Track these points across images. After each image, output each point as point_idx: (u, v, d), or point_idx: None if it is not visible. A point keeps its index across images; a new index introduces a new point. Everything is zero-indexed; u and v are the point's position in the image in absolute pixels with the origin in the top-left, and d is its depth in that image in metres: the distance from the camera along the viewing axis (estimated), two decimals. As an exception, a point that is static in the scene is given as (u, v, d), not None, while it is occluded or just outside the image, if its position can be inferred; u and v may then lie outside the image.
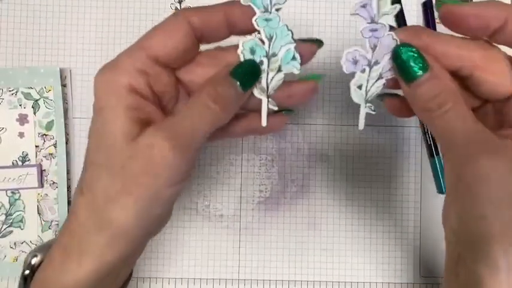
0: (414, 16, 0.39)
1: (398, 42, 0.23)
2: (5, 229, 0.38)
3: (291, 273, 0.38)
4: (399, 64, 0.23)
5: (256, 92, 0.25)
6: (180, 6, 0.39)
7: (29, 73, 0.38)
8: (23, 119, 0.38)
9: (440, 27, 0.38)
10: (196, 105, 0.23)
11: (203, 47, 0.26)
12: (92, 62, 0.39)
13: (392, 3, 0.23)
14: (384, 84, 0.25)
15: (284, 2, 0.23)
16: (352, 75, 0.24)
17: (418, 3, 0.39)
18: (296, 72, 0.25)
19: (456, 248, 0.24)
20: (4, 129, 0.38)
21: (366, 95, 0.25)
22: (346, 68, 0.24)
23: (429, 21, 0.38)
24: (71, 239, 0.23)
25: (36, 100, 0.38)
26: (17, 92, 0.38)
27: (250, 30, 0.24)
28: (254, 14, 0.23)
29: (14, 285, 0.38)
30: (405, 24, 0.38)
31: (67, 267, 0.23)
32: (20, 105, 0.38)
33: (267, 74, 0.24)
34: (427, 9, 0.38)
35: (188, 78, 0.25)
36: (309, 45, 0.25)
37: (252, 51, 0.24)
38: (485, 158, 0.21)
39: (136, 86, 0.23)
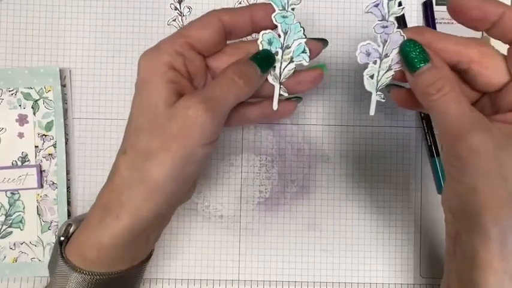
0: (414, 16, 0.39)
1: (405, 39, 0.27)
2: (4, 230, 0.38)
3: (290, 274, 0.38)
4: (405, 56, 0.26)
5: (270, 79, 0.29)
6: (180, 6, 0.39)
7: (28, 73, 0.38)
8: (22, 120, 0.38)
9: (440, 27, 0.38)
10: (224, 79, 0.27)
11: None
12: (92, 62, 0.39)
13: (399, 4, 0.27)
14: (393, 75, 0.28)
15: (299, 3, 0.28)
16: (365, 66, 0.28)
17: (418, 3, 0.39)
18: (305, 64, 0.29)
19: (453, 225, 0.26)
20: (4, 129, 0.38)
21: (377, 84, 0.28)
22: (360, 59, 0.28)
23: (429, 21, 0.38)
24: (111, 194, 0.26)
25: (36, 100, 0.38)
26: (16, 92, 0.38)
27: (270, 28, 0.29)
28: (273, 11, 0.28)
29: (14, 286, 0.38)
30: (405, 23, 0.38)
31: (105, 223, 0.26)
32: (20, 105, 0.38)
33: (281, 63, 0.29)
34: (427, 9, 0.38)
35: (216, 64, 0.30)
36: (316, 43, 0.29)
37: (270, 42, 0.28)
38: (477, 134, 0.23)
39: (174, 64, 0.27)
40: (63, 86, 0.38)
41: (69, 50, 0.39)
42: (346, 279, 0.38)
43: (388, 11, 0.26)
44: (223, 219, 0.38)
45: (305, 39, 0.28)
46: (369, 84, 0.28)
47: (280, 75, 0.29)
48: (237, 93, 0.27)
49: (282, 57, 0.29)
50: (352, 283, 0.38)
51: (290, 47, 0.29)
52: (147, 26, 0.39)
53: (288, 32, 0.28)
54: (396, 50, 0.27)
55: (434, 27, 0.38)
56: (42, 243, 0.38)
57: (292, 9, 0.28)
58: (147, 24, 0.39)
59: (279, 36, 0.28)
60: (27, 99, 0.38)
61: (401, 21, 0.38)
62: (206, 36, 0.28)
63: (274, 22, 0.28)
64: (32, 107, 0.38)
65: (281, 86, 0.30)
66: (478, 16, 0.25)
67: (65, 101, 0.38)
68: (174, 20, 0.39)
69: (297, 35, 0.28)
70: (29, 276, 0.38)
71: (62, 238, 0.29)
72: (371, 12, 0.26)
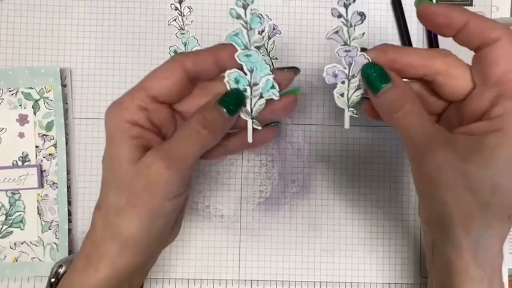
0: (414, 16, 0.39)
1: (370, 60, 0.27)
2: (5, 229, 0.38)
3: (291, 273, 0.38)
4: (366, 79, 0.27)
5: (242, 115, 0.29)
6: (180, 6, 0.39)
7: (29, 73, 0.38)
8: (23, 119, 0.38)
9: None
10: (187, 130, 0.27)
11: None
12: (92, 62, 0.39)
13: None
14: (362, 93, 0.29)
15: (262, 41, 0.27)
16: (335, 85, 0.29)
17: (419, 3, 0.39)
18: (276, 98, 0.29)
19: (430, 236, 0.27)
20: (4, 129, 0.38)
21: (348, 102, 0.29)
22: (328, 80, 0.28)
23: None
24: (92, 246, 0.27)
25: (36, 100, 0.38)
26: (17, 92, 0.38)
27: (237, 67, 0.28)
28: (236, 51, 0.27)
29: (14, 285, 0.38)
30: (405, 23, 0.38)
31: (87, 273, 0.26)
32: (20, 105, 0.38)
33: (251, 99, 0.28)
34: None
35: (183, 108, 0.29)
36: (286, 74, 0.29)
37: (236, 81, 0.28)
38: (440, 150, 0.24)
39: (136, 119, 0.26)
40: (64, 86, 0.38)
41: (70, 50, 0.39)
42: (346, 279, 0.38)
43: (349, 37, 0.27)
44: (223, 219, 0.39)
45: (272, 76, 0.28)
46: (340, 102, 0.29)
47: (251, 111, 0.29)
48: (202, 144, 0.27)
49: (251, 94, 0.28)
50: (352, 283, 0.38)
51: (258, 84, 0.28)
52: (147, 26, 0.39)
53: (254, 70, 0.28)
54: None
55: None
56: (43, 243, 0.38)
57: (256, 47, 0.27)
58: (147, 24, 0.39)
59: (245, 74, 0.28)
60: (27, 99, 0.38)
61: (401, 21, 0.38)
62: (168, 87, 0.27)
63: (238, 61, 0.27)
64: (33, 107, 0.38)
65: (253, 120, 0.29)
66: (444, 22, 0.26)
67: (65, 101, 0.38)
68: (175, 20, 0.39)
69: (264, 72, 0.28)
70: (29, 276, 0.38)
71: (53, 280, 0.30)
72: (332, 38, 0.27)
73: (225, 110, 0.27)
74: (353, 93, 0.29)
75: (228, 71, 0.28)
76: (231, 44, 0.27)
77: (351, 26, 0.26)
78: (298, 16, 0.39)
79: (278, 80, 0.28)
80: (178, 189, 0.27)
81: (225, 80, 0.28)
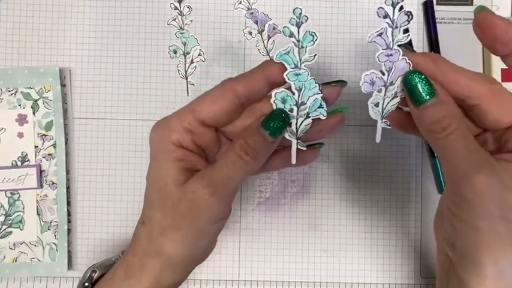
0: (414, 16, 0.39)
1: (411, 66, 0.25)
2: (4, 230, 0.38)
3: (291, 274, 0.38)
4: (409, 88, 0.25)
5: (287, 135, 0.28)
6: (180, 5, 0.39)
7: (28, 73, 0.38)
8: (22, 119, 0.38)
9: (440, 27, 0.38)
10: (231, 157, 0.26)
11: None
12: (92, 62, 0.39)
13: (405, 31, 0.25)
14: (399, 102, 0.27)
15: (313, 60, 0.26)
16: (370, 94, 0.27)
17: (419, 3, 0.39)
18: (323, 118, 0.27)
19: (448, 257, 0.26)
20: (3, 129, 0.38)
21: (383, 112, 0.27)
22: (365, 88, 0.26)
23: (429, 21, 0.38)
24: (134, 258, 0.27)
25: (36, 100, 0.38)
26: (16, 92, 0.38)
27: (286, 83, 0.27)
28: (286, 69, 0.26)
29: (13, 286, 0.38)
30: (435, 28, 0.38)
31: (128, 283, 0.27)
32: (19, 105, 0.38)
33: (297, 119, 0.27)
34: (427, 9, 0.38)
35: (229, 129, 0.28)
36: (334, 88, 0.28)
37: (284, 101, 0.27)
38: (483, 176, 0.23)
39: (182, 142, 0.27)
40: (63, 85, 0.38)
41: (69, 49, 0.39)
42: (346, 279, 0.38)
43: (393, 39, 0.25)
44: (223, 219, 0.38)
45: (321, 95, 0.27)
46: (374, 113, 0.27)
47: (297, 131, 0.28)
48: (245, 170, 0.27)
49: (297, 114, 0.27)
50: (352, 283, 0.38)
51: (306, 103, 0.27)
52: (147, 26, 0.39)
53: (303, 89, 0.26)
54: (402, 78, 0.26)
55: (434, 27, 0.38)
56: (42, 243, 0.38)
57: (306, 65, 0.26)
58: (147, 24, 0.39)
59: (293, 92, 0.27)
60: (26, 99, 0.38)
61: (431, 23, 0.38)
62: (218, 113, 0.27)
63: (287, 80, 0.26)
64: (32, 107, 0.38)
65: (298, 140, 0.28)
66: (502, 38, 0.24)
67: (64, 100, 0.38)
68: (174, 20, 0.39)
69: (312, 91, 0.27)
70: (28, 276, 0.38)
71: (87, 284, 0.31)
72: (374, 41, 0.25)
73: (268, 132, 0.26)
74: (389, 102, 0.27)
75: (275, 90, 0.27)
76: (280, 62, 0.26)
77: (396, 27, 0.24)
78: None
79: (325, 95, 0.27)
80: (221, 213, 0.28)
81: (272, 100, 0.27)
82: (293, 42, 0.25)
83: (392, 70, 0.26)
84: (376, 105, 0.27)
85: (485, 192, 0.23)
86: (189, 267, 0.29)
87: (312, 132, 0.28)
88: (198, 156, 0.28)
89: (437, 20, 0.38)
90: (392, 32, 0.25)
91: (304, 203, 0.39)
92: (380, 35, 0.25)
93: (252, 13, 0.39)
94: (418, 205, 0.38)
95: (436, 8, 0.39)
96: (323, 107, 0.27)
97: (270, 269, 0.38)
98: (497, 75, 0.37)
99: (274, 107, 0.27)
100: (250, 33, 0.39)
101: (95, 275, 0.31)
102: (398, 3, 0.24)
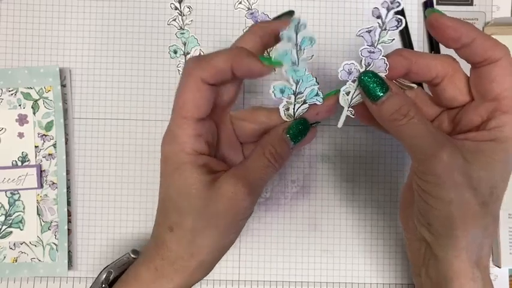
0: (415, 16, 0.39)
1: (388, 66, 0.27)
2: (4, 230, 0.38)
3: (291, 273, 0.38)
4: (365, 87, 0.28)
5: (285, 117, 0.30)
6: (180, 5, 0.39)
7: (28, 73, 0.38)
8: (22, 119, 0.38)
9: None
10: (262, 161, 0.29)
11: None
12: (92, 61, 0.39)
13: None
14: None
15: (310, 58, 0.27)
16: (344, 82, 0.29)
17: (419, 3, 0.39)
18: (319, 103, 0.30)
19: (423, 242, 0.28)
20: (4, 129, 0.38)
21: (351, 101, 0.29)
22: (341, 75, 0.28)
23: (430, 21, 0.38)
24: (163, 261, 0.29)
25: (36, 100, 0.38)
26: (16, 92, 0.38)
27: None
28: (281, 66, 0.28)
29: (13, 286, 0.38)
30: (406, 24, 0.38)
31: (159, 283, 0.29)
32: (20, 105, 0.38)
33: (294, 105, 0.30)
34: (427, 8, 0.38)
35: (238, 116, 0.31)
36: (328, 103, 0.30)
37: (282, 91, 0.29)
38: (448, 151, 0.25)
39: (197, 149, 0.28)
40: (63, 85, 0.38)
41: (69, 50, 0.39)
42: (346, 279, 0.38)
43: (378, 39, 0.27)
44: (223, 219, 0.38)
45: (318, 86, 0.29)
46: (344, 100, 0.29)
47: (294, 115, 0.30)
48: (272, 173, 0.30)
49: (295, 101, 0.29)
50: (352, 283, 0.38)
51: (302, 93, 0.29)
52: (147, 26, 0.39)
53: (300, 82, 0.28)
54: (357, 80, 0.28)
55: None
56: (42, 243, 0.38)
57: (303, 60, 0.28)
58: (147, 24, 0.39)
59: (291, 84, 0.29)
60: (27, 99, 0.38)
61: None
62: (200, 103, 0.28)
63: (285, 75, 0.28)
64: (32, 107, 0.38)
65: None
66: (452, 35, 0.26)
67: (64, 100, 0.38)
68: (174, 20, 0.39)
69: (310, 84, 0.28)
70: (28, 276, 0.38)
71: (104, 285, 0.32)
72: (362, 36, 0.27)
73: (290, 139, 0.30)
74: (359, 93, 0.29)
75: (274, 83, 0.29)
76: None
77: (385, 29, 0.26)
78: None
79: (322, 110, 0.30)
80: (251, 210, 0.30)
81: (270, 90, 0.29)
82: (291, 45, 0.27)
83: (371, 66, 0.28)
84: (347, 93, 0.29)
85: (452, 165, 0.25)
86: (217, 261, 0.31)
87: (310, 116, 0.30)
88: (210, 157, 0.29)
89: (437, 20, 0.38)
90: (380, 32, 0.26)
91: (304, 203, 0.39)
92: (369, 32, 0.27)
93: (252, 13, 0.39)
94: (418, 205, 0.38)
95: (436, 8, 0.39)
96: (319, 95, 0.29)
97: (270, 269, 0.38)
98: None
99: (273, 97, 0.29)
100: (250, 33, 0.39)
101: (112, 276, 0.32)
102: (393, 8, 0.26)
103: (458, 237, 0.26)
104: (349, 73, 0.28)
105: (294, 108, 0.30)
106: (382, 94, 0.27)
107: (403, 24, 0.26)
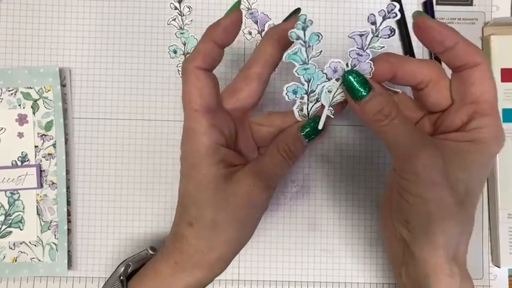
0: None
1: (373, 70, 0.28)
2: (4, 229, 0.38)
3: (290, 273, 0.38)
4: (348, 86, 0.28)
5: (299, 117, 0.31)
6: (180, 5, 0.39)
7: (28, 73, 0.38)
8: (22, 119, 0.38)
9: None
10: (277, 157, 0.30)
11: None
12: (92, 61, 0.39)
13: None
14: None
15: (319, 55, 0.28)
16: (329, 80, 0.29)
17: (418, 2, 0.39)
18: (332, 117, 0.30)
19: (402, 241, 0.29)
20: (3, 129, 0.38)
21: (332, 99, 0.30)
22: (327, 73, 0.29)
23: (429, 21, 0.38)
24: (182, 255, 0.29)
25: (36, 100, 0.38)
26: (16, 92, 0.38)
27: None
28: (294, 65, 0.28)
29: (13, 286, 0.38)
30: (405, 24, 0.38)
31: (179, 276, 0.29)
32: (19, 105, 0.38)
33: (307, 105, 0.30)
34: (427, 9, 0.38)
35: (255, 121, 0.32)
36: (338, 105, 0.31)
37: (294, 92, 0.29)
38: (429, 151, 0.26)
39: (214, 138, 0.28)
40: (63, 85, 0.38)
41: (69, 50, 0.39)
42: (345, 279, 0.38)
43: (369, 44, 0.27)
44: (223, 219, 0.38)
45: (329, 81, 0.29)
46: (325, 98, 0.30)
47: (308, 114, 0.31)
48: (286, 170, 0.31)
49: (308, 100, 0.30)
50: (352, 283, 0.38)
51: (315, 91, 0.29)
52: (147, 26, 0.39)
53: (311, 80, 0.29)
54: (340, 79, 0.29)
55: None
56: (42, 243, 0.38)
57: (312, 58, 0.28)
58: (147, 24, 0.39)
59: (303, 84, 0.29)
60: (26, 99, 0.38)
61: (401, 21, 0.38)
62: (207, 92, 0.28)
63: (296, 75, 0.28)
64: (32, 107, 0.38)
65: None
66: (437, 38, 0.27)
67: (64, 100, 0.38)
68: (174, 20, 0.39)
69: (321, 80, 0.29)
70: (28, 276, 0.38)
71: (122, 278, 0.32)
72: (353, 38, 0.27)
73: (305, 137, 0.30)
74: (340, 92, 0.29)
75: (286, 85, 0.29)
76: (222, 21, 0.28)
77: (377, 36, 0.27)
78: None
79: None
80: (267, 204, 0.31)
81: (284, 92, 0.29)
82: (300, 43, 0.27)
83: (356, 67, 0.28)
84: (330, 91, 0.29)
85: (432, 165, 0.26)
86: (235, 256, 0.31)
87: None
88: (228, 149, 0.30)
89: (437, 18, 0.38)
90: (371, 38, 0.27)
91: (304, 203, 0.39)
92: (361, 35, 0.27)
93: (252, 13, 0.39)
94: (418, 205, 0.38)
95: (436, 8, 0.39)
96: (331, 92, 0.30)
97: (269, 269, 0.38)
98: (497, 75, 0.37)
99: (287, 99, 0.29)
100: (250, 33, 0.39)
101: (130, 269, 0.32)
102: (389, 18, 0.26)
103: (436, 234, 0.26)
104: (335, 71, 0.28)
105: (307, 108, 0.30)
106: (365, 94, 0.28)
107: (395, 35, 0.27)
